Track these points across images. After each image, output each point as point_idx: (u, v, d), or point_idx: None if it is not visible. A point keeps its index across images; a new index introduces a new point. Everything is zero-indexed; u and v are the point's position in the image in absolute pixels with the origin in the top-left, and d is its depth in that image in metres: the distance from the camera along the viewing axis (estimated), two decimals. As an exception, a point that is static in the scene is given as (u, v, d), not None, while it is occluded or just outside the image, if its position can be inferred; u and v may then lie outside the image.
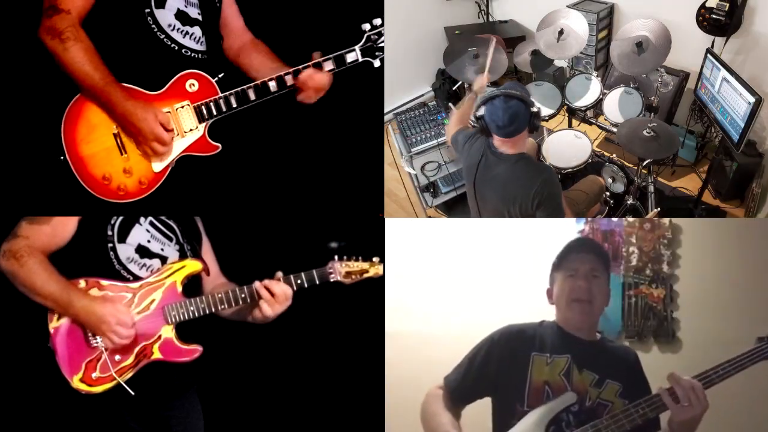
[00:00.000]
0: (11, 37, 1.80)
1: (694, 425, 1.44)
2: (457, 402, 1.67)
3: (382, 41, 1.78)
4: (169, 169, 1.72)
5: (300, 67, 1.75)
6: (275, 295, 1.63)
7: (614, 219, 2.55)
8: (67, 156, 1.62)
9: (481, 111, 2.22)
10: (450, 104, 3.49)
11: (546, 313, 1.72)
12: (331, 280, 1.70)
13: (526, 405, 1.55)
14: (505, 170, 2.25)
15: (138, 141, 1.65)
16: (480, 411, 1.65)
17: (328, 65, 1.77)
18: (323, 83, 1.78)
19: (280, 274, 1.67)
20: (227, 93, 1.73)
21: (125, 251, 1.61)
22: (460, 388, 1.66)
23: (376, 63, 1.79)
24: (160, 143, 1.64)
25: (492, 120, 2.18)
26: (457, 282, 2.42)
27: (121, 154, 1.66)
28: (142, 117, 1.61)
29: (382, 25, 1.77)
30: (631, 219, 2.60)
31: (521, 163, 2.24)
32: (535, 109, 2.18)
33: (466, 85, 3.45)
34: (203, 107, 1.71)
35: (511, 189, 2.22)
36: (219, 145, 1.77)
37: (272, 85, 1.75)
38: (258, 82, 1.74)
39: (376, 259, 1.73)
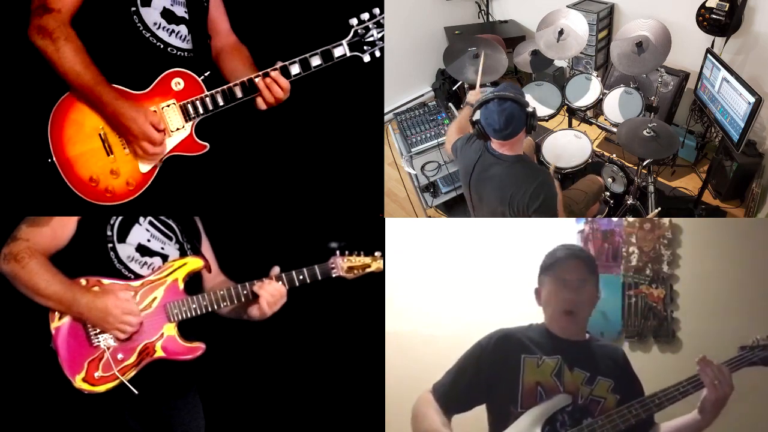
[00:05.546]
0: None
1: (722, 405, 1.52)
2: (446, 410, 1.63)
3: (371, 35, 1.74)
4: (157, 169, 1.71)
5: (268, 70, 1.71)
6: (270, 294, 1.65)
7: (614, 219, 2.55)
8: (54, 158, 1.61)
9: (477, 115, 2.20)
10: (450, 104, 3.50)
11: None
12: (333, 275, 1.71)
13: (520, 407, 1.56)
14: (502, 171, 2.24)
15: (128, 141, 1.64)
16: (476, 415, 1.65)
17: (295, 68, 1.72)
18: (279, 95, 1.72)
19: (277, 269, 1.68)
20: (213, 91, 1.71)
21: (125, 251, 1.61)
22: (450, 395, 1.63)
23: (366, 58, 1.75)
24: (151, 143, 1.64)
25: (488, 123, 2.16)
26: (457, 282, 2.42)
27: (108, 155, 1.65)
28: (132, 117, 1.60)
29: (371, 19, 1.73)
30: (631, 219, 2.59)
31: (519, 165, 2.23)
32: (530, 110, 2.16)
33: (466, 86, 3.45)
34: (189, 105, 1.70)
35: (508, 190, 2.21)
36: (207, 144, 1.74)
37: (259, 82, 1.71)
38: (245, 79, 1.71)
39: (378, 254, 1.74)
